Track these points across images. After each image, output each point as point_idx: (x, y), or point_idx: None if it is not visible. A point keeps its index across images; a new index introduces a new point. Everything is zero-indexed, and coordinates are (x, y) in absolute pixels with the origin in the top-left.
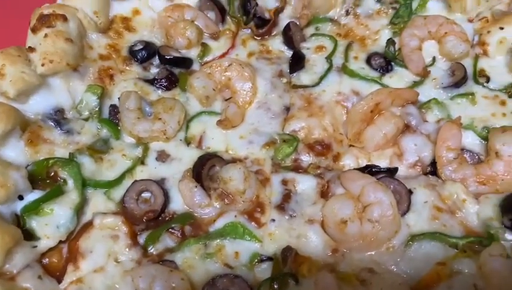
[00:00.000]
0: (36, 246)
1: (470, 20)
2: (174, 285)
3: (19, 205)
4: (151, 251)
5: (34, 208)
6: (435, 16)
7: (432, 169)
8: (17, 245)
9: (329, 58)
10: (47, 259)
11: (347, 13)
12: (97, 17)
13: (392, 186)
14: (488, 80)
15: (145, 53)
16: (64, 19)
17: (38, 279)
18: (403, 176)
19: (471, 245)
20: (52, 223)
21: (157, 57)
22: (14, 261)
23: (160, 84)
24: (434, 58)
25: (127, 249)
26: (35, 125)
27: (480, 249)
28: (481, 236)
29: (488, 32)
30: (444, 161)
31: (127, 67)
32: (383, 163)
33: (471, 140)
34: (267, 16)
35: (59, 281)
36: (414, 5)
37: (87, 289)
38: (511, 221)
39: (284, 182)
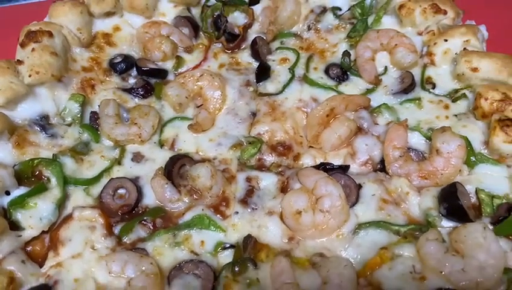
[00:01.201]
0: (21, 236)
1: (419, 33)
2: (143, 268)
3: (6, 200)
4: (125, 240)
5: (20, 202)
6: (386, 29)
7: (381, 166)
8: (3, 234)
9: (292, 69)
10: (30, 247)
11: (309, 28)
12: (80, 33)
13: (342, 181)
14: (434, 86)
15: (123, 65)
16: (50, 35)
17: (21, 263)
18: (355, 172)
19: (412, 232)
20: (35, 216)
21: (135, 69)
22: (0, 247)
23: (137, 93)
24: (386, 68)
25: (103, 238)
26: (22, 130)
27: (419, 236)
28: (421, 224)
29: (435, 44)
30: (391, 158)
31: (107, 78)
32: (338, 161)
33: (417, 140)
34: (236, 31)
35: (41, 266)
36: (370, 20)
37: (65, 272)
38: (446, 209)
39: (248, 179)
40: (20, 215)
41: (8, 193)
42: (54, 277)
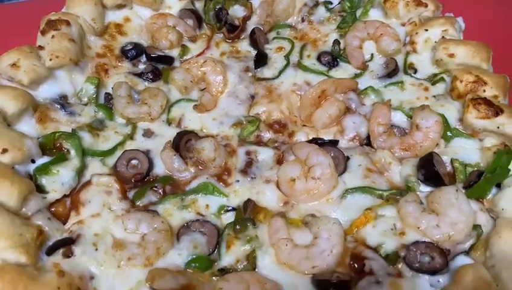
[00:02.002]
0: (45, 198)
1: (403, 24)
2: (155, 226)
3: (31, 167)
4: (138, 203)
5: (44, 169)
6: (372, 20)
7: (367, 141)
8: (31, 194)
9: (287, 56)
10: (54, 208)
11: (302, 20)
12: (94, 23)
13: (332, 153)
14: (415, 71)
15: (134, 52)
16: (68, 23)
17: (47, 220)
18: (344, 147)
19: (394, 196)
20: (58, 181)
21: (144, 56)
22: (28, 206)
23: (147, 77)
24: (372, 55)
25: (118, 201)
26: (44, 107)
27: (400, 199)
28: (402, 189)
29: (416, 33)
30: (376, 133)
31: (119, 64)
32: (329, 137)
33: (399, 118)
34: (236, 22)
35: (63, 224)
36: (358, 13)
37: (86, 228)
38: (423, 176)
39: (248, 153)
40: (44, 180)
41: (33, 161)
42: (77, 232)
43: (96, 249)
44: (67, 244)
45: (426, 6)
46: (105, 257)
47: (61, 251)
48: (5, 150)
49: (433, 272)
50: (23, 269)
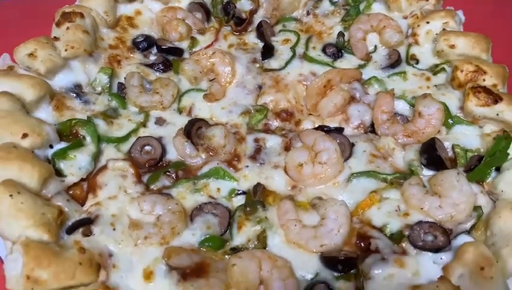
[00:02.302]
0: (64, 181)
1: (405, 17)
2: (170, 207)
3: (50, 152)
4: (152, 187)
5: (62, 154)
6: (375, 13)
7: (371, 129)
8: (50, 177)
9: (293, 48)
10: (71, 191)
11: (308, 13)
12: (107, 15)
13: (337, 140)
14: (417, 62)
15: (145, 44)
16: (82, 16)
17: (67, 201)
18: (349, 134)
19: (397, 180)
20: (75, 165)
21: (155, 47)
22: (48, 188)
23: (158, 68)
24: (375, 46)
25: (134, 185)
26: (60, 96)
27: (403, 182)
28: (405, 173)
29: (418, 26)
30: (380, 121)
31: (131, 55)
32: (334, 125)
33: (402, 107)
34: (243, 16)
35: (81, 206)
36: (361, 6)
37: (104, 209)
38: (426, 160)
39: (256, 140)
40: (62, 165)
41: (51, 146)
42: (95, 213)
43: (114, 229)
44: (86, 224)
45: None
46: (122, 236)
47: (80, 230)
48: (25, 135)
49: (436, 250)
50: (47, 245)
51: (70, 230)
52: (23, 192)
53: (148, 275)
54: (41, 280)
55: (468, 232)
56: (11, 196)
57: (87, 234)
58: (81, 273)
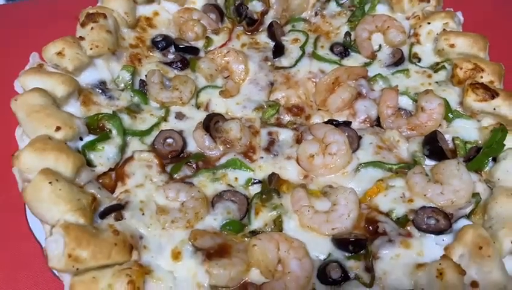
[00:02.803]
0: (94, 170)
1: (407, 18)
2: (193, 194)
3: (80, 143)
4: (175, 176)
5: (91, 146)
6: (380, 14)
7: (377, 123)
8: (82, 167)
9: (302, 47)
10: (101, 180)
11: (316, 14)
12: (127, 16)
13: (346, 133)
14: (419, 60)
15: (164, 43)
16: (105, 16)
17: (98, 189)
18: (356, 128)
19: (402, 169)
20: (104, 156)
21: (173, 46)
22: (81, 177)
23: (176, 66)
24: (380, 46)
25: (158, 174)
26: (87, 92)
27: (408, 172)
28: (409, 163)
29: (420, 26)
30: (385, 115)
31: (151, 54)
32: (342, 119)
33: (405, 102)
34: (255, 16)
35: (111, 193)
36: (366, 7)
37: (133, 196)
38: (428, 151)
39: (270, 133)
40: (92, 156)
41: (81, 139)
42: (125, 199)
43: (143, 214)
44: (117, 209)
45: (428, 1)
46: (151, 221)
47: (112, 215)
48: (58, 128)
49: (438, 232)
50: (85, 227)
51: (103, 215)
52: (61, 179)
53: (176, 255)
54: (81, 259)
55: (468, 216)
56: (50, 183)
57: (119, 218)
58: (116, 253)
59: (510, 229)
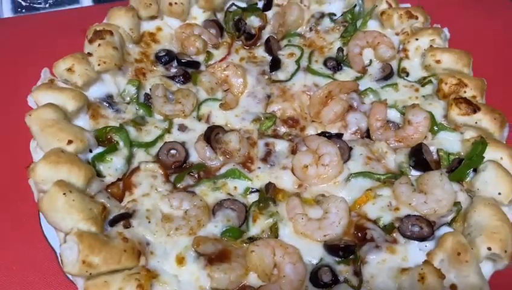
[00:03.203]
0: (103, 181)
1: (397, 34)
2: (195, 203)
3: (90, 155)
4: (179, 186)
5: (100, 157)
6: (371, 31)
7: (367, 134)
8: (93, 178)
9: (297, 61)
10: (110, 190)
11: (310, 30)
12: (132, 32)
13: (338, 144)
14: (407, 74)
15: (167, 58)
16: (111, 33)
17: (107, 198)
18: (347, 139)
19: (389, 179)
20: (112, 167)
21: (175, 61)
22: (91, 187)
23: (178, 80)
24: (371, 61)
25: (163, 184)
26: (95, 105)
27: (394, 182)
28: (396, 173)
29: (408, 42)
30: (374, 128)
31: (154, 68)
32: (334, 131)
33: (394, 115)
34: (253, 31)
35: (120, 202)
36: (358, 23)
37: (140, 205)
38: (414, 162)
39: (267, 144)
40: (101, 167)
41: (91, 151)
42: (132, 208)
43: (149, 222)
44: (125, 217)
45: (417, 18)
46: (157, 228)
47: (121, 223)
48: (70, 141)
49: (421, 239)
50: (97, 235)
51: (113, 223)
52: (73, 191)
53: (180, 260)
54: (94, 264)
55: (449, 224)
56: (64, 194)
57: (127, 226)
58: (126, 259)
59: (487, 237)
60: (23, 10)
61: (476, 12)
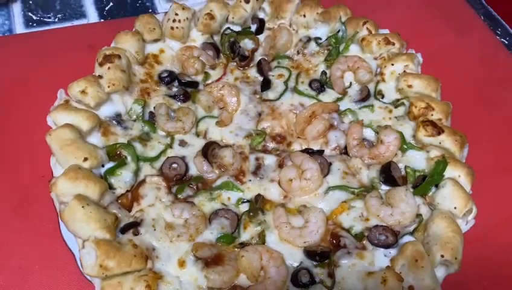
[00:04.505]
0: (114, 193)
1: (375, 58)
2: (194, 213)
3: (102, 170)
4: (179, 196)
5: (111, 171)
6: (352, 56)
7: (345, 151)
8: (106, 190)
9: (286, 82)
10: (120, 201)
11: (298, 53)
12: (137, 54)
13: (319, 160)
14: (383, 96)
15: (169, 78)
16: (119, 57)
17: (118, 209)
18: (328, 155)
19: (362, 192)
20: (122, 180)
21: (176, 81)
22: (105, 199)
23: (179, 98)
24: (350, 83)
25: (166, 195)
26: (105, 124)
27: (366, 195)
28: (368, 187)
29: (385, 66)
30: (351, 145)
31: (158, 88)
32: (317, 147)
33: (369, 134)
34: (246, 54)
35: (129, 212)
36: (341, 47)
37: (146, 214)
38: (383, 178)
39: (257, 159)
40: (112, 180)
41: (103, 166)
42: (140, 217)
43: (154, 229)
44: (134, 226)
45: (393, 44)
46: (161, 235)
47: (131, 231)
48: (85, 159)
49: (386, 246)
50: (111, 242)
51: (123, 230)
52: (90, 203)
53: (181, 263)
54: (109, 268)
55: (411, 233)
56: (83, 207)
57: (136, 233)
58: (135, 263)
59: (441, 246)
60: (34, 24)
61: (448, 30)
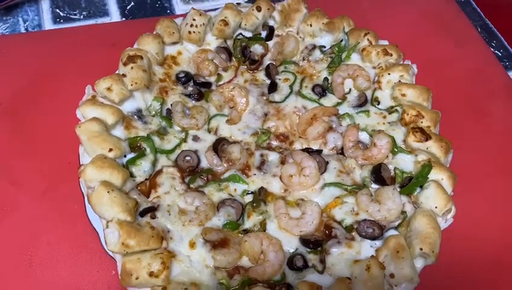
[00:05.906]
0: (134, 181)
1: (374, 67)
2: (204, 201)
3: (124, 160)
4: (192, 186)
5: (132, 161)
6: (352, 64)
7: (341, 151)
8: (128, 178)
9: (291, 86)
10: (139, 188)
11: (303, 59)
12: (158, 56)
13: (317, 159)
14: (379, 103)
15: (185, 78)
16: (141, 58)
17: (138, 195)
18: (326, 154)
19: (354, 190)
20: (141, 170)
21: (192, 81)
22: (126, 186)
23: (194, 97)
24: (350, 89)
25: (180, 184)
26: (128, 118)
27: (358, 192)
28: (360, 185)
29: (382, 75)
30: (347, 147)
31: (175, 87)
32: (316, 147)
33: (364, 137)
34: (256, 58)
35: (147, 198)
36: (343, 56)
37: (162, 200)
38: (374, 178)
39: (261, 155)
40: (133, 169)
41: (125, 156)
42: (157, 203)
43: (169, 214)
44: (152, 210)
45: (391, 55)
46: (175, 219)
47: (149, 214)
48: (110, 149)
49: (373, 238)
50: (132, 224)
51: (142, 214)
52: (115, 189)
53: (192, 245)
54: (130, 246)
55: (396, 228)
56: (108, 192)
57: (153, 217)
58: (153, 242)
59: (420, 240)
60: (61, 20)
61: (446, 42)
